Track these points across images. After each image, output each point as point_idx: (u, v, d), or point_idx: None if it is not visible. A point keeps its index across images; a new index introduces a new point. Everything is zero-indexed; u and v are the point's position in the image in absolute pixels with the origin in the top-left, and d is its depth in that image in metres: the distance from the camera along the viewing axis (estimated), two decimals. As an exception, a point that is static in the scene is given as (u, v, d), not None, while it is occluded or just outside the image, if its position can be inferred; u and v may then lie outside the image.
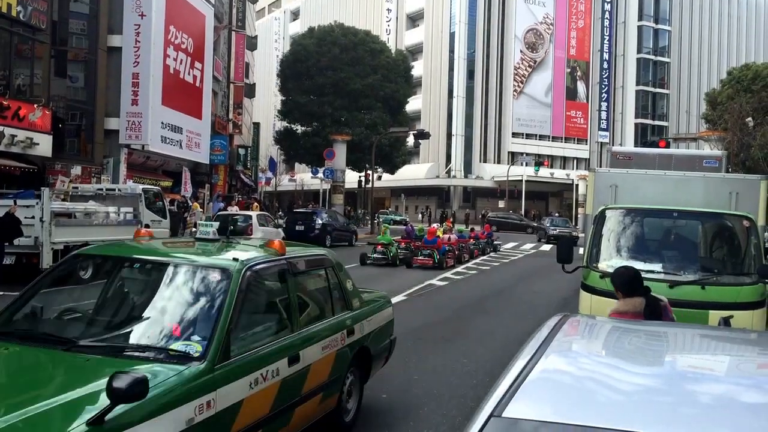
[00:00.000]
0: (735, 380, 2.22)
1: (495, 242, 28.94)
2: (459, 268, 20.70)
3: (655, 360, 2.49)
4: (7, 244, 13.54)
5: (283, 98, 47.22)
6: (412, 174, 63.20)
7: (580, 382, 2.10)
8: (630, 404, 1.90)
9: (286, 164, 62.56)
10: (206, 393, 3.54)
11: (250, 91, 49.17)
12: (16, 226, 13.43)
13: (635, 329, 2.96)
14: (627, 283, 4.56)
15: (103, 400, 2.97)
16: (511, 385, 1.91)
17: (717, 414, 1.86)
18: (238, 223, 21.99)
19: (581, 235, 21.26)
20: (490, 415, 1.75)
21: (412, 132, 42.96)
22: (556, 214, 52.43)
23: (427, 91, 68.49)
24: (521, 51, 68.58)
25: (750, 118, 35.65)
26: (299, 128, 47.32)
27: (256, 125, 55.19)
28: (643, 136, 71.61)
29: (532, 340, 2.38)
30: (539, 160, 62.37)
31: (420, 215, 62.94)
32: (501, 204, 57.14)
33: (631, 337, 2.77)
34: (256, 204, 34.51)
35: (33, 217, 14.10)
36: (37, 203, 14.21)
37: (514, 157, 66.03)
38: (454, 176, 65.78)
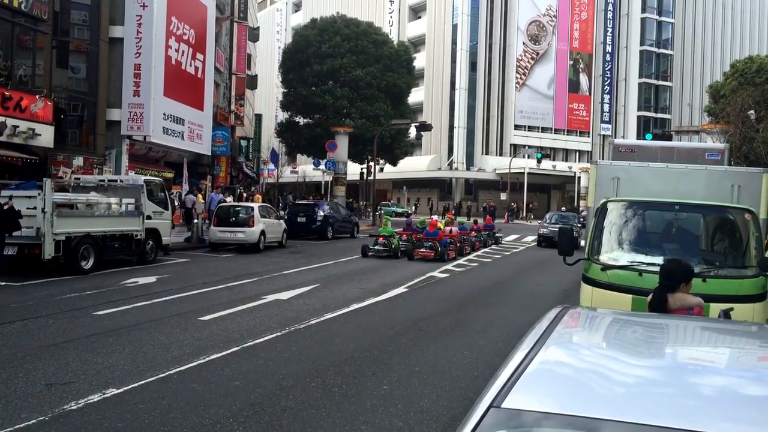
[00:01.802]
0: (735, 372, 2.22)
1: (497, 234, 28.96)
2: (460, 261, 20.71)
3: (655, 352, 2.49)
4: (7, 235, 13.57)
5: (285, 90, 47.15)
6: (414, 166, 63.12)
7: (580, 374, 2.10)
8: (630, 396, 1.90)
9: (288, 156, 62.56)
10: None
11: (252, 82, 49.05)
12: (15, 218, 13.44)
13: (636, 321, 2.96)
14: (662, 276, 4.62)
15: None
16: (510, 377, 1.91)
17: (717, 406, 1.86)
18: (240, 215, 21.99)
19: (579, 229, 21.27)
20: (490, 406, 1.75)
21: (414, 124, 42.88)
22: (563, 209, 45.25)
23: (430, 83, 68.33)
24: (524, 43, 68.32)
25: (752, 111, 35.52)
26: (301, 120, 47.28)
27: (258, 117, 55.15)
28: (645, 129, 71.39)
29: (532, 331, 2.38)
30: (542, 153, 62.28)
31: (413, 207, 62.91)
32: (503, 196, 57.04)
33: (632, 329, 2.77)
34: (258, 195, 34.47)
35: (35, 208, 14.13)
36: (39, 194, 14.23)
37: (516, 149, 65.92)
38: (456, 168, 65.69)
